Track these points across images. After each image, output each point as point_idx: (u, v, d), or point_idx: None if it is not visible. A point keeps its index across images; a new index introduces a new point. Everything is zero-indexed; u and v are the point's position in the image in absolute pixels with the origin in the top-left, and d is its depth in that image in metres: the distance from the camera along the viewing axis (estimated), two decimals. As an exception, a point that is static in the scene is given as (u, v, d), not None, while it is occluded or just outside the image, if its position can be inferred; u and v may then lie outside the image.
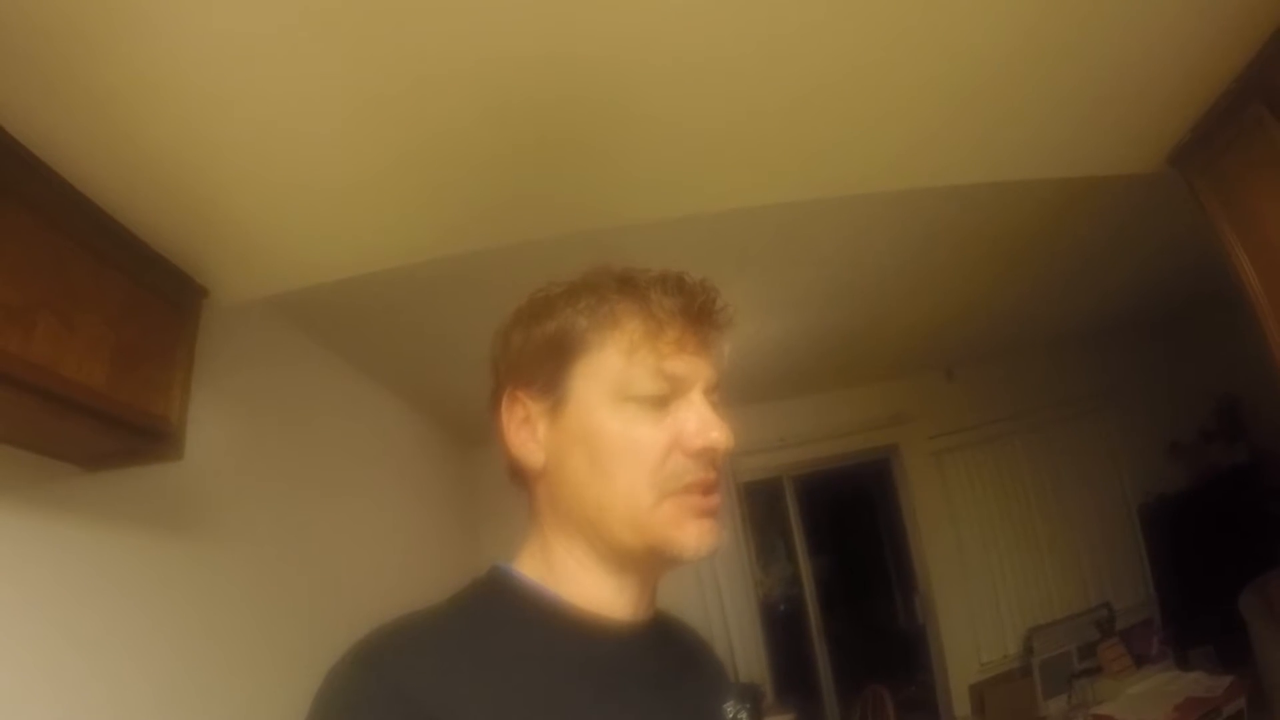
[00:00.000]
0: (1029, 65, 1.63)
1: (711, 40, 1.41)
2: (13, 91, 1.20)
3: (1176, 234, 2.88)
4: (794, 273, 3.23)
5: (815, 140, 1.81)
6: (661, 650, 0.84)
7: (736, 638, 4.69)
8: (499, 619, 0.74)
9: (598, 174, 1.82)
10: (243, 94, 1.34)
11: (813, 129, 1.76)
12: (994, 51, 1.57)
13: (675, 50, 1.42)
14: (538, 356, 0.81)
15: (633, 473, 0.75)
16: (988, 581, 4.87)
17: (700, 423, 0.77)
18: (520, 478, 0.86)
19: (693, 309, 0.80)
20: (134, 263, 1.58)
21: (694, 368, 0.79)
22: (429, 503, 4.09)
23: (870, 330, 4.16)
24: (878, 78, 1.60)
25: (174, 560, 1.89)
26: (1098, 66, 1.66)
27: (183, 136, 1.41)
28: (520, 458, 0.83)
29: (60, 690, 1.50)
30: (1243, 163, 1.77)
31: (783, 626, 5.26)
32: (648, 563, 0.78)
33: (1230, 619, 3.78)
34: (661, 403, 0.77)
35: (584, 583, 0.78)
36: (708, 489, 0.78)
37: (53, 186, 1.36)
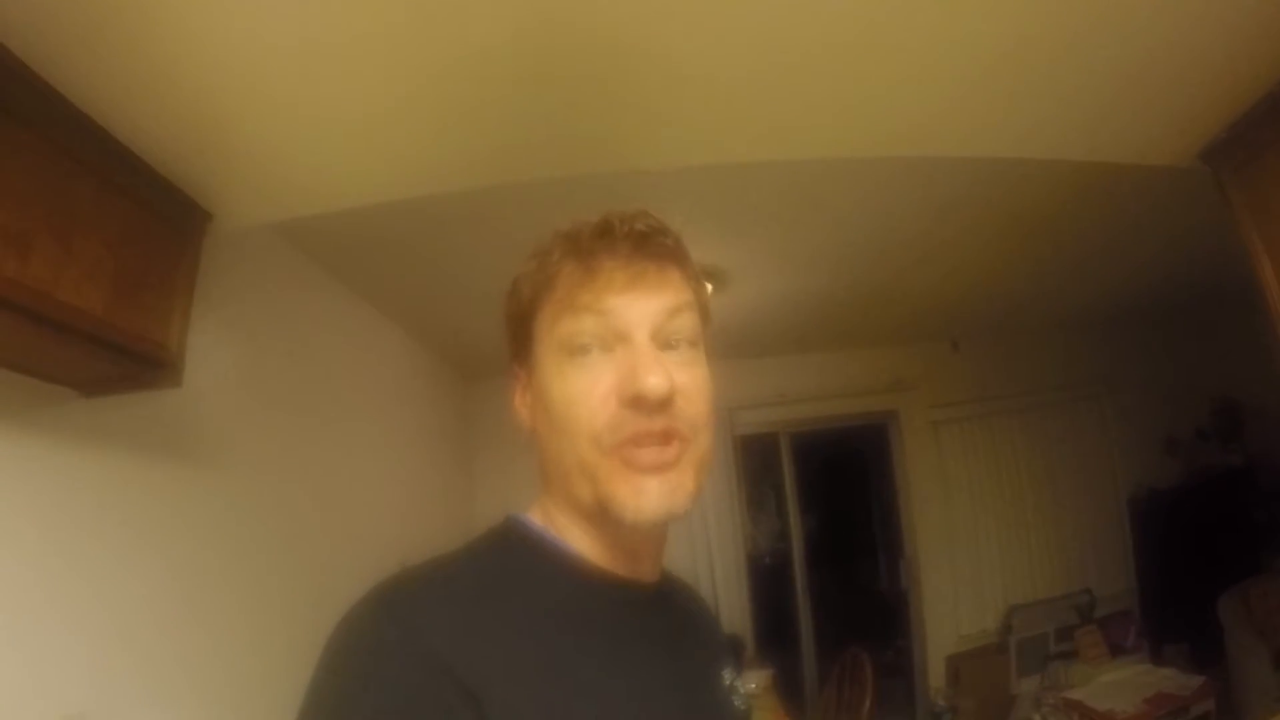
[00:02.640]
0: (1062, 38, 1.57)
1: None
2: (16, 11, 1.17)
3: (1193, 228, 2.84)
4: (806, 230, 3.20)
5: (838, 97, 1.76)
6: (668, 612, 0.85)
7: (722, 587, 4.76)
8: (516, 570, 0.74)
9: (616, 115, 1.78)
10: (254, 15, 1.30)
11: (837, 85, 1.71)
12: (1028, 19, 1.51)
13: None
14: (510, 329, 0.83)
15: (573, 427, 0.73)
16: (973, 555, 4.92)
17: (630, 368, 0.71)
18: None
19: (619, 247, 0.75)
20: (136, 185, 1.55)
21: (629, 308, 0.74)
22: (429, 434, 4.13)
23: (879, 294, 4.14)
24: (905, 38, 1.55)
25: (173, 485, 1.91)
26: (1134, 48, 1.60)
27: (190, 58, 1.37)
28: (519, 424, 0.83)
29: (62, 610, 1.53)
30: (1278, 167, 1.72)
31: (767, 580, 5.32)
32: (609, 523, 0.74)
33: (1207, 620, 3.83)
34: (602, 351, 0.73)
35: (578, 540, 0.77)
36: (661, 439, 0.71)
37: (54, 107, 1.32)
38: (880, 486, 5.73)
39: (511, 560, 0.76)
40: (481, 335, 3.72)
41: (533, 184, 2.05)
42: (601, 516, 0.74)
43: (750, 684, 3.81)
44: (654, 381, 0.70)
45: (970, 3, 1.46)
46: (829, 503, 6.17)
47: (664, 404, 0.71)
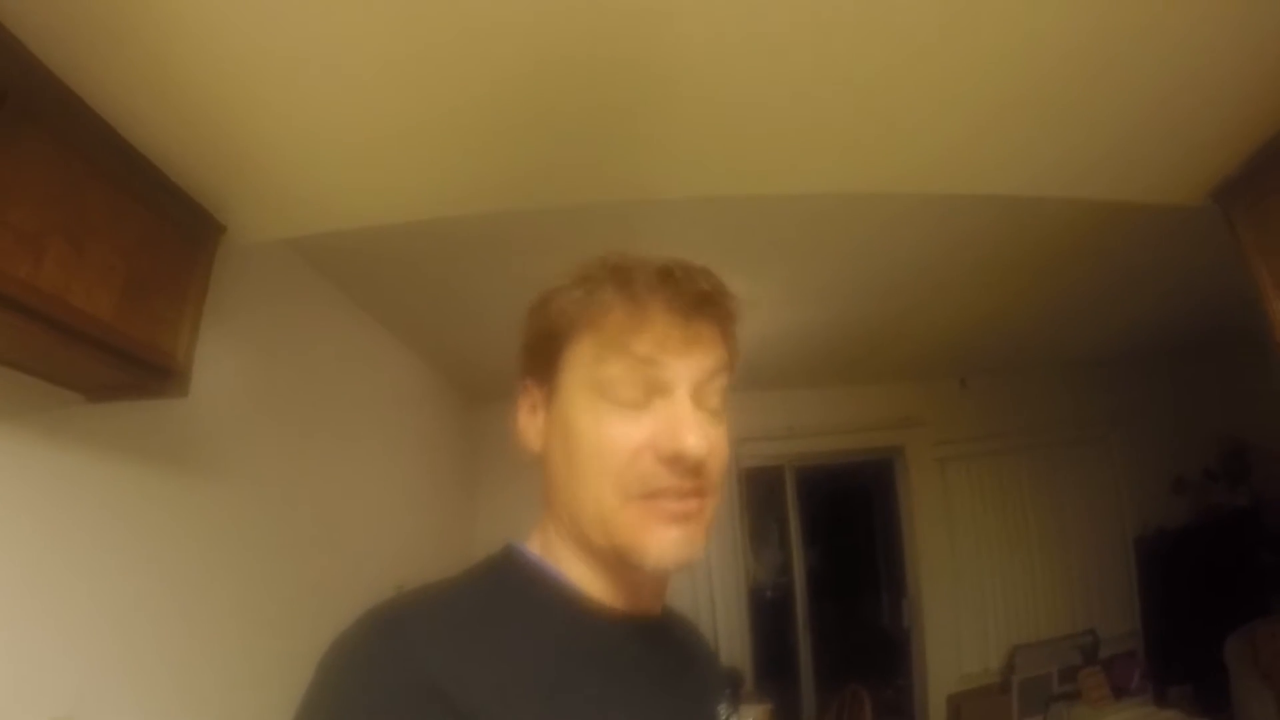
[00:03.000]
0: (1076, 80, 1.58)
1: (762, 18, 1.38)
2: (40, 16, 1.18)
3: (1202, 269, 2.83)
4: (817, 264, 3.20)
5: (854, 133, 1.77)
6: (666, 646, 0.83)
7: (722, 620, 4.73)
8: (513, 599, 0.73)
9: (631, 145, 1.79)
10: (280, 30, 1.31)
11: (853, 121, 1.72)
12: (1041, 60, 1.53)
13: (726, 24, 1.39)
14: (536, 346, 0.81)
15: (599, 472, 0.72)
16: (977, 593, 4.87)
17: (673, 426, 0.71)
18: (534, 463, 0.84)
19: (679, 303, 0.74)
20: (152, 194, 1.57)
21: (678, 366, 0.73)
22: (432, 455, 4.12)
23: (888, 329, 4.13)
24: (920, 77, 1.56)
25: (173, 493, 1.91)
26: (1147, 88, 1.61)
27: (211, 72, 1.39)
28: (522, 443, 0.82)
29: (55, 611, 1.52)
30: (1290, 208, 1.72)
31: (768, 614, 5.27)
32: (619, 565, 0.74)
33: (1213, 662, 3.78)
34: (641, 400, 0.73)
35: (578, 572, 0.77)
36: (684, 494, 0.72)
37: (75, 112, 1.34)
38: (884, 522, 5.68)
39: (508, 589, 0.75)
40: (488, 358, 3.73)
41: (544, 211, 2.06)
42: (616, 562, 0.74)
43: (747, 718, 3.76)
44: (694, 442, 0.70)
45: (985, 44, 1.47)
46: (832, 537, 6.13)
47: (700, 466, 0.71)
